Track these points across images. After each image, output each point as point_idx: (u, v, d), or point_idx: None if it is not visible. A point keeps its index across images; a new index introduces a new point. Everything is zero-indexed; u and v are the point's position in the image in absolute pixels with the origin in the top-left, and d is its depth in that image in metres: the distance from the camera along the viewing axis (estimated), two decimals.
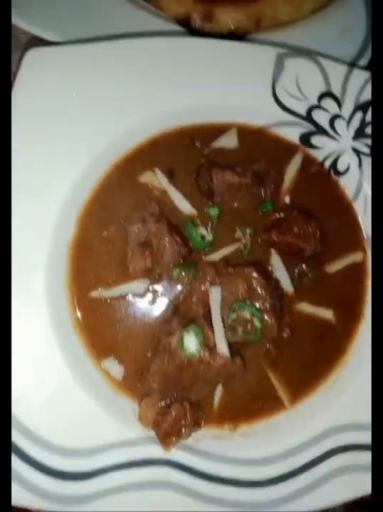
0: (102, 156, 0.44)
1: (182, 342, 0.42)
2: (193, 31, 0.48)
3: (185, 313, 0.45)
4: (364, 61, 0.50)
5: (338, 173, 0.49)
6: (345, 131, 0.47)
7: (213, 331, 0.44)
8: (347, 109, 0.46)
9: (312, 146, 0.48)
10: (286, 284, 0.47)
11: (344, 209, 0.49)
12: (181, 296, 0.46)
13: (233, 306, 0.44)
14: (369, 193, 0.48)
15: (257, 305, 0.44)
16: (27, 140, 0.42)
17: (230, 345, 0.44)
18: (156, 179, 0.47)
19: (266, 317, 0.44)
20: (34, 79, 0.41)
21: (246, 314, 0.44)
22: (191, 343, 0.42)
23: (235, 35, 0.49)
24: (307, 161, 0.49)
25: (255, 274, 0.45)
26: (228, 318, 0.44)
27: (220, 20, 0.48)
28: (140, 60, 0.43)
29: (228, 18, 0.48)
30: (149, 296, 0.46)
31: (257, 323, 0.44)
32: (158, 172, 0.47)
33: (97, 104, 0.43)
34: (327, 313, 0.48)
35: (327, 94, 0.46)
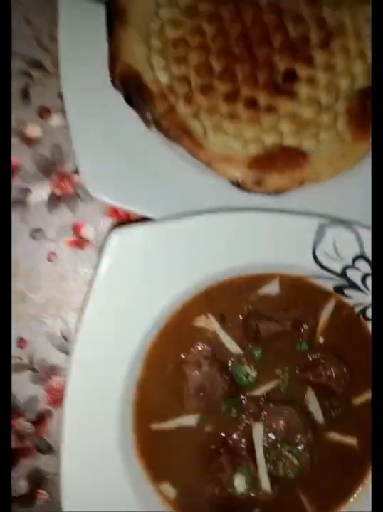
0: (166, 309, 0.52)
1: (232, 482, 0.51)
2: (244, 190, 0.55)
3: (232, 448, 0.53)
4: None
5: (367, 319, 0.56)
6: None
7: (256, 466, 0.51)
8: None
9: (344, 295, 0.55)
10: (318, 416, 0.54)
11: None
12: (228, 429, 0.53)
13: (274, 445, 0.52)
14: None
15: (294, 445, 0.52)
16: (105, 305, 0.50)
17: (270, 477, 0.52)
18: (209, 323, 0.54)
19: (303, 455, 0.52)
20: (117, 256, 0.49)
21: (286, 453, 0.52)
22: (240, 484, 0.50)
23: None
24: (339, 306, 0.56)
25: (293, 414, 0.53)
26: (270, 455, 0.52)
27: (268, 184, 0.54)
28: (206, 233, 0.51)
29: (275, 182, 0.54)
30: (200, 428, 0.53)
31: (295, 461, 0.52)
32: (211, 317, 0.54)
33: (165, 273, 0.51)
34: (351, 440, 0.56)
35: (360, 256, 0.53)
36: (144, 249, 0.51)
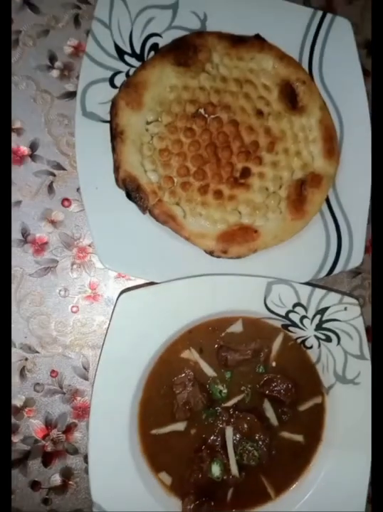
0: (160, 346, 0.72)
1: (211, 469, 0.71)
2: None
3: (211, 444, 0.73)
4: (324, 271, 0.77)
5: (306, 347, 0.76)
6: (310, 326, 0.74)
7: (228, 458, 0.71)
8: (311, 312, 0.74)
9: (289, 331, 0.76)
10: (273, 420, 0.75)
11: (310, 369, 0.76)
12: (207, 432, 0.74)
13: (240, 442, 0.72)
14: (324, 359, 0.76)
15: (255, 441, 0.72)
16: (116, 346, 0.70)
17: (238, 465, 0.72)
18: (191, 354, 0.74)
19: (261, 448, 0.72)
20: (124, 311, 0.69)
21: (249, 447, 0.72)
22: (216, 470, 0.71)
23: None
24: (286, 339, 0.76)
25: (254, 419, 0.73)
26: (237, 449, 0.72)
27: (231, 251, 0.75)
28: (188, 292, 0.71)
29: (236, 250, 0.74)
30: (187, 432, 0.73)
31: (256, 454, 0.72)
32: (192, 350, 0.74)
33: (159, 321, 0.71)
34: (298, 438, 0.76)
35: (298, 304, 0.74)
36: (143, 305, 0.71)
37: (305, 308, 0.74)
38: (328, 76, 0.82)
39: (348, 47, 0.83)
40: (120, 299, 0.69)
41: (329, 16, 0.81)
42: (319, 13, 0.81)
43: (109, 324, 0.69)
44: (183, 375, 0.73)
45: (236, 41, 0.79)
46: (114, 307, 0.69)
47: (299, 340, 0.76)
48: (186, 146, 0.76)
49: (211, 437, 0.73)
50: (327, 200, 0.80)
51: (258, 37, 0.80)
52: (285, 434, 0.75)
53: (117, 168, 0.74)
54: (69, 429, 0.76)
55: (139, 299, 0.70)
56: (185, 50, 0.78)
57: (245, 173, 0.77)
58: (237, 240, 0.75)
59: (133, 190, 0.73)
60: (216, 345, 0.75)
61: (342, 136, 0.82)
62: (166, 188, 0.75)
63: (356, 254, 0.79)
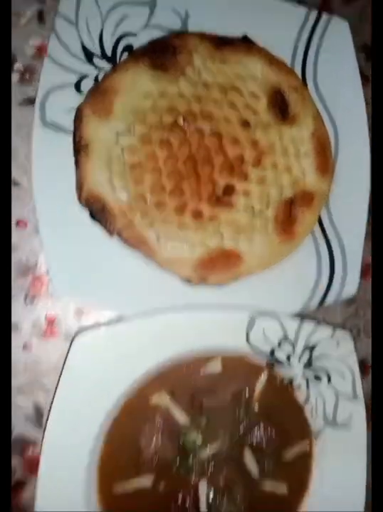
0: (125, 391, 0.63)
1: None
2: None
3: (182, 503, 0.64)
4: (315, 301, 0.69)
5: (293, 388, 0.68)
6: (297, 364, 0.66)
7: None
8: (299, 349, 0.66)
9: (274, 370, 0.67)
10: (254, 471, 0.67)
11: (297, 412, 0.68)
12: (178, 487, 0.65)
13: (216, 497, 0.64)
14: (313, 400, 0.68)
15: (233, 497, 0.64)
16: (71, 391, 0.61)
17: None
18: (161, 399, 0.65)
19: (239, 505, 0.64)
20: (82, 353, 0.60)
21: (224, 503, 0.64)
22: None
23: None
24: (271, 377, 0.68)
25: (231, 471, 0.64)
26: (213, 507, 0.64)
27: (211, 279, 0.66)
28: (158, 330, 0.64)
29: (216, 278, 0.66)
30: (155, 488, 0.64)
31: (233, 510, 0.64)
32: (163, 393, 0.65)
33: (123, 363, 0.63)
34: (281, 488, 0.68)
35: (285, 339, 0.65)
36: (102, 347, 0.62)
37: (293, 344, 0.66)
38: (323, 83, 0.74)
39: (346, 51, 0.75)
40: (75, 342, 0.60)
41: (325, 16, 0.74)
42: (315, 13, 0.73)
43: (62, 368, 0.61)
44: (151, 422, 0.65)
45: (221, 43, 0.71)
46: (69, 350, 0.60)
47: (285, 381, 0.68)
48: (161, 161, 0.67)
49: (182, 494, 0.65)
50: (320, 221, 0.72)
51: (245, 39, 0.72)
52: (267, 485, 0.67)
53: (80, 186, 0.65)
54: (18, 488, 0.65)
55: (98, 340, 0.61)
56: (163, 52, 0.69)
57: (229, 190, 0.68)
58: (218, 266, 0.66)
59: (98, 212, 0.64)
60: (191, 388, 0.66)
61: (337, 149, 0.74)
62: (137, 208, 0.66)
63: (350, 282, 0.71)
